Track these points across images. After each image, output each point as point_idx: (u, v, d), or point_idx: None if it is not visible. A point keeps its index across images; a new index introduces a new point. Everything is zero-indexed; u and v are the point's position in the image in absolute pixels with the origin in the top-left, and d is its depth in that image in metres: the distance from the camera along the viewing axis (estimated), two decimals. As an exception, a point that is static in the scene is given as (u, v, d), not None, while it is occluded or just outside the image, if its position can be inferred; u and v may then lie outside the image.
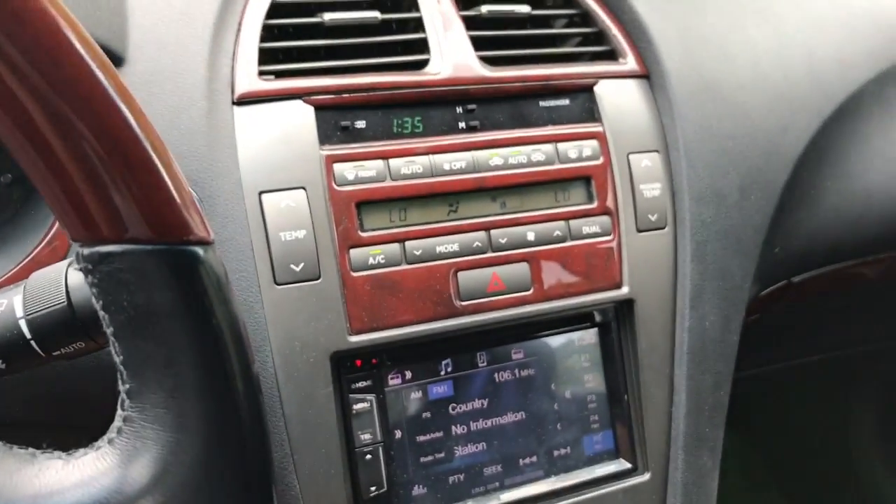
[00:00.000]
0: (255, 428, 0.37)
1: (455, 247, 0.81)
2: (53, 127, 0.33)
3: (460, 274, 0.81)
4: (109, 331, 0.36)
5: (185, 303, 0.36)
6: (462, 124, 0.84)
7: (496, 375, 0.86)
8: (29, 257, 0.69)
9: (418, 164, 0.81)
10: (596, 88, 0.91)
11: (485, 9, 0.89)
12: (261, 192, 0.75)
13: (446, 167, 0.82)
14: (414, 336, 0.79)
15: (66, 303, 0.46)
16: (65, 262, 0.49)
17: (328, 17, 0.82)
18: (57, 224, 0.70)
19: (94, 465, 0.36)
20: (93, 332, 0.47)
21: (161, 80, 0.74)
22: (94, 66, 0.33)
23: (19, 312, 0.47)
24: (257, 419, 0.38)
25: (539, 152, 0.86)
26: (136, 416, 0.36)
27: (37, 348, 0.47)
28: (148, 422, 0.35)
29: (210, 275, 0.36)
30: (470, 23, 0.88)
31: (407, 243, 0.80)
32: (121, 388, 0.37)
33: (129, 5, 0.76)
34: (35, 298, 0.47)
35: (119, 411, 0.37)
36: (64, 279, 0.47)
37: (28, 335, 0.47)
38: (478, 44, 0.87)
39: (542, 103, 0.88)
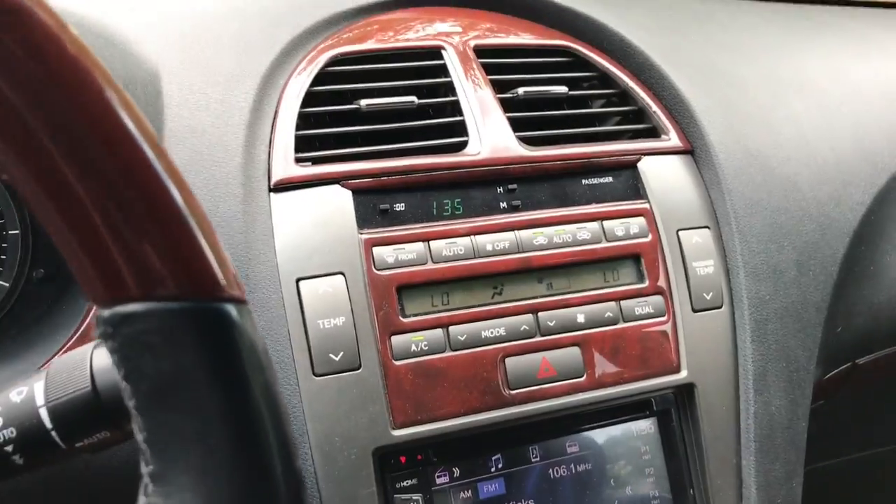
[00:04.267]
0: (287, 492, 0.33)
1: (501, 331, 0.77)
2: (71, 167, 0.30)
3: (508, 360, 0.77)
4: (132, 403, 0.32)
5: (216, 367, 0.32)
6: (503, 204, 0.82)
7: (551, 471, 0.80)
8: (59, 352, 0.66)
9: (460, 245, 0.78)
10: (639, 165, 0.88)
11: (521, 90, 0.88)
12: (298, 279, 0.72)
13: (489, 248, 0.79)
14: (461, 429, 0.74)
15: (90, 387, 0.43)
16: (90, 344, 0.45)
17: (365, 103, 0.81)
18: (89, 317, 0.68)
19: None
20: (119, 421, 0.43)
21: (197, 168, 0.73)
22: (116, 103, 0.31)
23: (40, 400, 0.43)
24: (293, 482, 0.33)
25: (584, 230, 0.82)
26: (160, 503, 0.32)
27: (57, 439, 0.43)
28: None
29: (244, 336, 0.33)
30: (507, 105, 0.86)
31: (451, 328, 0.76)
32: (143, 470, 0.33)
33: (165, 93, 0.76)
34: (57, 384, 0.43)
35: (141, 498, 0.33)
36: (89, 361, 0.44)
37: (49, 425, 0.43)
38: (516, 125, 0.85)
39: (584, 181, 0.86)
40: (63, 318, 0.70)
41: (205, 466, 0.31)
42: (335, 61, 0.84)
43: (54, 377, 0.44)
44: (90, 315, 0.68)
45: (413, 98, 0.83)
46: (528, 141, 0.84)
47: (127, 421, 0.44)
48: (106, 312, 0.32)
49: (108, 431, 0.43)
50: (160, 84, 0.76)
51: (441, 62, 0.87)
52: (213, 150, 0.74)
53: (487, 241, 0.79)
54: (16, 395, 0.44)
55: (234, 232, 0.71)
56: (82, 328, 0.68)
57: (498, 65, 0.89)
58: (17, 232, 0.77)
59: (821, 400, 1.00)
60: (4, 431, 0.43)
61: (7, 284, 0.76)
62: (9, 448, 0.43)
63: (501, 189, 0.82)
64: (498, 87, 0.87)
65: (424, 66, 0.87)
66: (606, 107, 0.94)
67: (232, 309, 0.33)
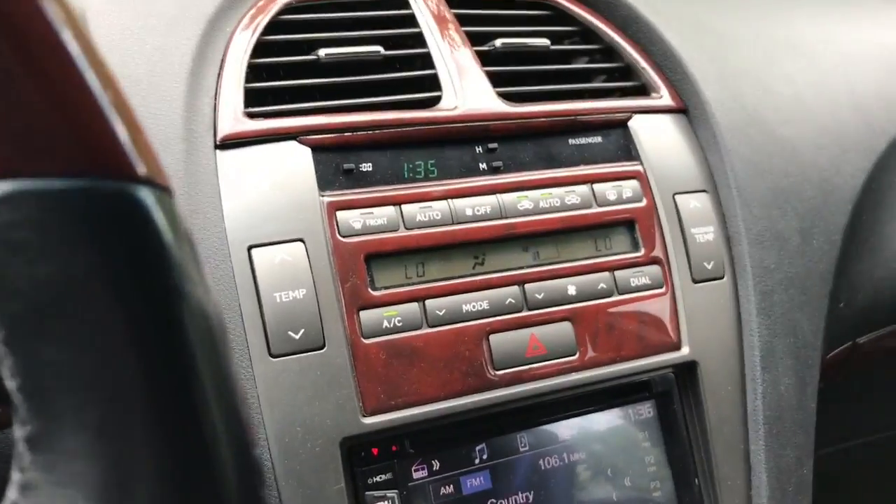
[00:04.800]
0: (240, 486, 0.23)
1: (485, 304, 0.68)
2: None
3: (493, 337, 0.68)
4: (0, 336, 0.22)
5: (124, 273, 0.22)
6: (483, 165, 0.73)
7: (541, 462, 0.71)
8: None
9: (436, 209, 0.69)
10: (630, 124, 0.80)
11: (499, 42, 0.79)
12: (250, 247, 0.63)
13: (469, 213, 0.70)
14: (441, 415, 0.65)
15: None
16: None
17: (324, 52, 0.72)
18: None
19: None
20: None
21: (130, 120, 0.63)
22: None
23: None
24: (246, 472, 0.23)
25: (573, 194, 0.74)
26: (40, 480, 0.21)
27: None
28: (60, 486, 0.21)
29: (165, 230, 0.23)
30: (484, 58, 0.77)
31: (427, 302, 0.66)
32: (16, 433, 0.23)
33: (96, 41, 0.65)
34: None
35: (15, 474, 0.23)
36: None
37: None
38: (495, 80, 0.76)
39: (571, 141, 0.77)
40: None
41: (106, 423, 0.21)
42: (289, 9, 0.75)
43: None
44: None
45: (378, 48, 0.74)
46: (508, 97, 0.76)
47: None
48: None
49: None
50: (85, 25, 0.66)
51: (409, 11, 0.78)
52: (148, 101, 0.64)
53: (466, 206, 0.70)
54: None
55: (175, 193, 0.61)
56: None
57: (472, 16, 0.81)
58: None
59: (822, 382, 0.93)
60: None
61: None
62: None
63: (480, 149, 0.73)
64: (473, 39, 0.79)
65: (391, 15, 0.78)
66: (591, 63, 0.86)
67: (147, 193, 0.23)
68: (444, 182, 0.71)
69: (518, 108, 0.75)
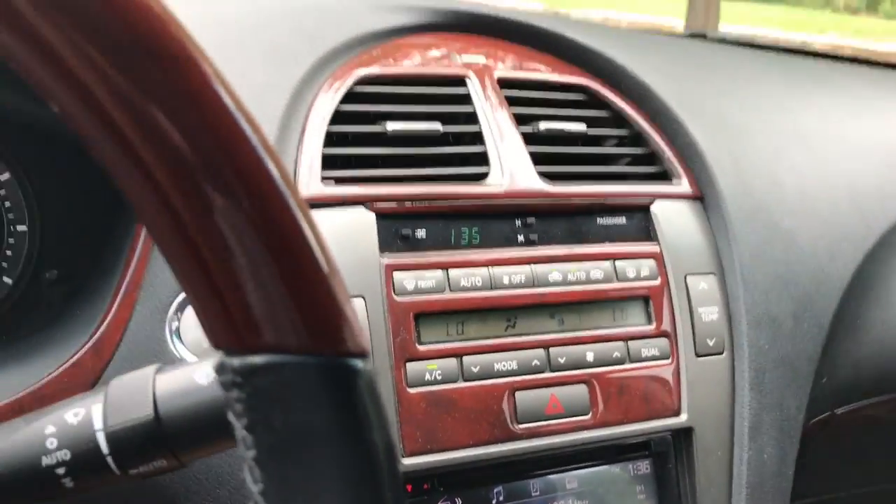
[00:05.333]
0: None
1: (513, 364, 0.77)
2: (209, 215, 0.29)
3: (518, 394, 0.77)
4: (250, 454, 0.32)
5: (349, 425, 0.31)
6: (521, 237, 0.82)
7: (550, 506, 0.80)
8: (71, 361, 0.65)
9: (478, 276, 0.78)
10: (652, 208, 0.89)
11: (542, 126, 0.88)
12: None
13: (505, 280, 0.79)
14: (470, 460, 0.74)
15: (152, 415, 0.42)
16: (151, 368, 0.44)
17: (391, 126, 0.81)
18: (103, 328, 0.66)
19: None
20: (178, 450, 0.42)
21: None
22: (256, 140, 0.30)
23: (98, 424, 0.42)
24: None
25: (598, 269, 0.83)
26: None
27: (112, 465, 0.42)
28: None
29: (374, 392, 0.32)
30: (528, 138, 0.87)
31: (465, 358, 0.76)
32: None
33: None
34: (117, 408, 0.42)
35: None
36: (151, 387, 0.43)
37: (105, 450, 0.42)
38: (536, 159, 0.86)
39: (599, 220, 0.87)
40: (77, 324, 0.68)
41: None
42: (363, 81, 0.84)
43: (114, 401, 0.42)
44: (104, 324, 0.66)
45: (438, 125, 0.83)
46: (547, 176, 0.85)
47: (184, 451, 0.43)
48: (235, 361, 0.31)
49: (166, 460, 0.42)
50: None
51: (465, 91, 0.87)
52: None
53: (504, 274, 0.79)
54: (72, 416, 0.43)
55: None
56: (96, 337, 0.66)
57: (520, 97, 0.90)
58: (24, 228, 0.75)
59: (801, 445, 1.02)
60: (58, 453, 0.42)
61: (10, 281, 0.74)
62: (60, 471, 0.42)
63: (520, 222, 0.83)
64: (519, 119, 0.88)
65: (449, 93, 0.87)
66: (619, 146, 0.95)
67: (361, 364, 0.32)
68: (486, 251, 0.80)
69: (556, 187, 0.84)
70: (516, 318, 0.80)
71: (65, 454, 0.42)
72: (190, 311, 0.67)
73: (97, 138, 0.29)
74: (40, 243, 0.75)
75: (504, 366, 0.77)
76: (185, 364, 0.44)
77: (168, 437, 0.42)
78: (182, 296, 0.68)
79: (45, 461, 0.42)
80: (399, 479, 0.33)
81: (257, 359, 0.31)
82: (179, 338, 0.67)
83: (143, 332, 0.67)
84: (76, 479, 0.42)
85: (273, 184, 0.31)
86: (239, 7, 0.87)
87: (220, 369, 0.32)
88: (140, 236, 0.69)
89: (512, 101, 0.89)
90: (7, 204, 0.75)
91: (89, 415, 0.42)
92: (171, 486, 0.64)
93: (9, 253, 0.74)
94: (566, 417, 0.79)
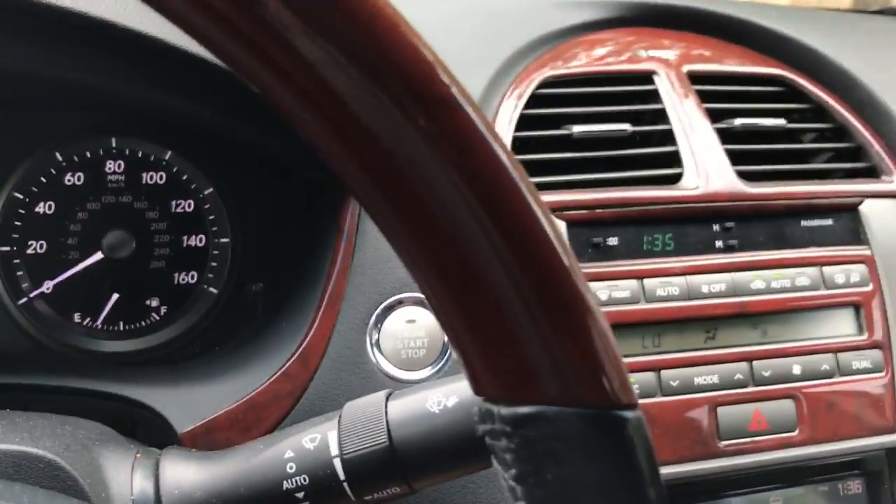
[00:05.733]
0: None
1: (714, 379, 0.74)
2: (488, 270, 0.29)
3: (720, 409, 0.73)
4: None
5: (621, 479, 0.30)
6: (719, 243, 0.78)
7: (753, 526, 0.76)
8: (280, 371, 0.67)
9: (674, 285, 0.74)
10: (861, 208, 0.82)
11: (738, 122, 0.83)
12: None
13: (704, 290, 0.75)
14: (671, 477, 0.71)
15: (387, 443, 0.42)
16: (381, 394, 0.45)
17: (577, 129, 0.79)
18: (308, 339, 0.68)
19: None
20: (412, 477, 0.42)
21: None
22: (533, 203, 0.29)
23: (334, 451, 0.43)
24: None
25: (803, 276, 0.78)
26: None
27: (349, 491, 0.42)
28: None
29: (649, 445, 0.31)
30: (723, 136, 0.82)
31: (662, 372, 0.73)
32: None
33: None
34: (352, 435, 0.43)
35: None
36: (384, 414, 0.43)
37: (342, 476, 0.42)
38: (732, 158, 0.81)
39: (803, 223, 0.81)
40: (282, 335, 0.70)
41: None
42: (546, 83, 0.82)
43: (348, 427, 0.43)
44: (309, 335, 0.68)
45: (626, 126, 0.80)
46: (745, 176, 0.80)
47: (417, 478, 0.43)
48: (503, 410, 0.30)
49: (399, 487, 0.42)
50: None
51: (653, 87, 0.84)
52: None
53: (703, 283, 0.75)
54: (308, 441, 0.44)
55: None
56: (303, 347, 0.67)
57: (712, 92, 0.85)
58: (227, 240, 0.78)
59: None
60: (298, 478, 0.43)
61: (216, 291, 0.78)
62: (299, 495, 0.43)
63: (718, 227, 0.78)
64: (712, 116, 0.83)
65: (636, 90, 0.84)
66: (821, 141, 0.89)
67: (634, 417, 0.31)
68: (682, 258, 0.76)
69: (756, 188, 0.79)
70: (716, 330, 0.76)
71: (304, 479, 0.43)
72: (390, 323, 0.68)
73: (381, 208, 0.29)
74: (243, 256, 0.78)
75: (705, 380, 0.73)
76: (414, 391, 0.44)
77: (402, 464, 0.42)
78: (381, 308, 0.68)
79: (286, 485, 0.43)
80: None
81: (527, 409, 0.30)
82: (380, 349, 0.68)
83: (345, 343, 0.68)
84: (313, 501, 0.43)
85: (545, 236, 0.29)
86: (418, 15, 0.87)
87: (486, 417, 0.31)
88: (339, 249, 0.70)
89: (704, 97, 0.84)
90: (211, 217, 0.78)
91: (325, 440, 0.43)
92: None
93: (213, 264, 0.78)
94: (771, 434, 0.74)
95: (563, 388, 0.30)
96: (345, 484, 0.42)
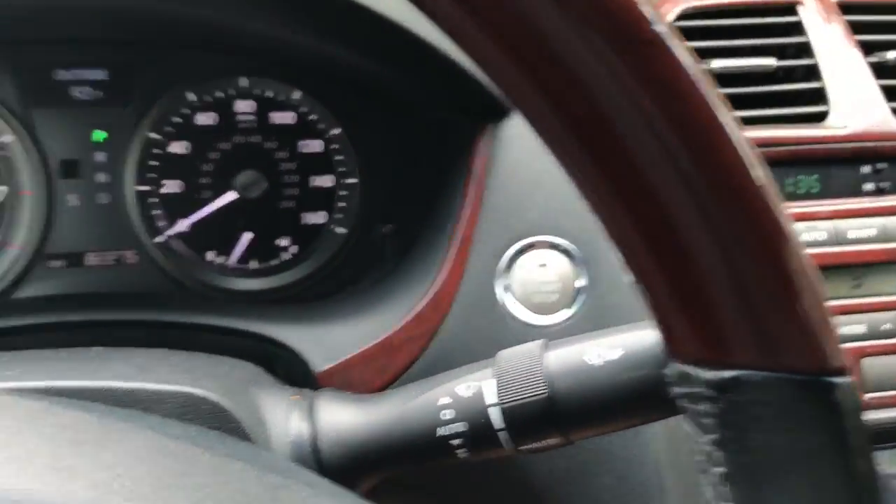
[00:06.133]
0: None
1: (862, 328, 0.70)
2: (698, 226, 0.27)
3: (865, 360, 0.70)
4: (718, 470, 0.30)
5: (833, 449, 0.29)
6: (869, 186, 0.73)
7: None
8: (413, 313, 0.67)
9: (821, 230, 0.71)
10: None
11: (893, 55, 0.77)
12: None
13: (851, 235, 0.71)
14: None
15: (546, 394, 0.41)
16: (536, 344, 0.44)
17: (716, 64, 0.74)
18: (439, 281, 0.67)
19: None
20: (569, 428, 0.42)
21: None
22: (751, 166, 0.27)
23: (491, 399, 0.42)
24: None
25: (962, 222, 0.72)
26: None
27: (506, 440, 0.42)
28: None
29: (858, 413, 0.29)
30: (876, 70, 0.76)
31: (805, 322, 0.69)
32: None
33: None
34: (511, 385, 0.42)
35: None
36: (542, 365, 0.42)
37: (500, 425, 0.42)
38: (886, 94, 0.75)
39: (963, 165, 0.75)
40: (413, 277, 0.70)
41: None
42: (684, 15, 0.77)
43: (506, 377, 0.42)
44: (440, 278, 0.67)
45: (771, 60, 0.75)
46: (901, 114, 0.74)
47: (575, 430, 0.42)
48: (707, 374, 0.29)
49: (557, 438, 0.42)
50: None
51: (797, 19, 0.78)
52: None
53: (850, 227, 0.71)
54: (464, 389, 0.43)
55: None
56: (434, 289, 0.67)
57: (865, 22, 0.79)
58: (355, 181, 0.78)
59: None
60: (456, 425, 0.43)
61: (344, 231, 0.78)
62: (456, 441, 0.43)
63: (868, 168, 0.73)
64: (864, 48, 0.77)
65: (779, 22, 0.78)
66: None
67: (846, 383, 0.29)
68: (829, 201, 0.72)
69: (912, 128, 0.74)
70: (864, 277, 0.71)
71: (463, 426, 0.42)
72: (521, 267, 0.67)
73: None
74: (371, 197, 0.78)
75: (850, 330, 0.70)
76: (570, 342, 0.43)
77: (561, 415, 0.41)
78: (512, 251, 0.67)
79: (441, 431, 0.43)
80: None
81: (733, 373, 0.28)
82: (511, 292, 0.67)
83: (476, 286, 0.67)
84: (471, 449, 0.43)
85: (759, 189, 0.27)
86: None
87: (682, 379, 0.30)
88: (469, 192, 0.69)
89: (855, 28, 0.78)
90: (339, 158, 0.78)
91: (481, 390, 0.43)
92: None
93: (342, 205, 0.78)
94: (923, 388, 0.70)
95: (772, 352, 0.28)
96: (502, 433, 0.42)
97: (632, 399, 0.40)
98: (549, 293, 0.67)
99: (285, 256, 0.78)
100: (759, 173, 0.28)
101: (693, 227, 0.27)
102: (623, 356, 0.40)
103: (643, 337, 0.40)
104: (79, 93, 0.75)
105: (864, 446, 0.29)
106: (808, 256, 0.28)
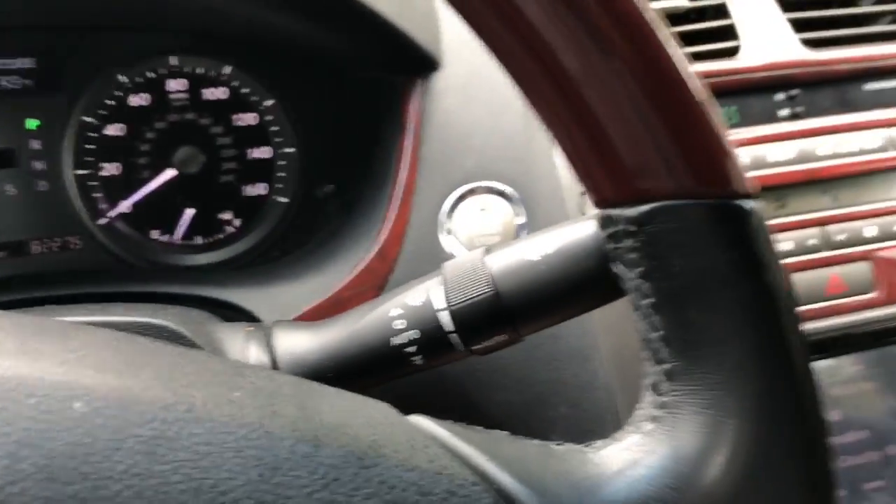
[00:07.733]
0: (816, 414, 0.32)
1: (790, 245, 0.74)
2: (595, 63, 0.29)
3: (795, 276, 0.73)
4: (647, 302, 0.32)
5: (747, 265, 0.31)
6: (784, 112, 0.77)
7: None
8: (360, 267, 0.68)
9: (744, 156, 0.74)
10: (929, 67, 0.81)
11: (796, -11, 0.81)
12: (582, 193, 0.71)
13: (771, 159, 0.75)
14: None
15: (493, 291, 0.43)
16: (478, 252, 0.45)
17: (632, 8, 0.78)
18: (384, 234, 0.69)
19: (625, 455, 0.31)
20: (519, 323, 0.44)
21: (477, 82, 0.72)
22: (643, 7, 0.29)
23: (440, 304, 0.44)
24: (816, 402, 0.32)
25: (873, 139, 0.77)
26: (680, 401, 0.31)
27: (458, 341, 0.44)
28: (701, 407, 0.31)
29: (766, 232, 0.32)
30: (783, 4, 0.80)
31: (736, 243, 0.73)
32: (653, 368, 0.32)
33: (439, 8, 0.75)
34: (458, 288, 0.44)
35: (650, 397, 0.32)
36: (485, 266, 0.44)
37: (450, 328, 0.44)
38: (797, 26, 0.79)
39: (869, 86, 0.80)
40: (358, 233, 0.71)
41: (736, 365, 0.30)
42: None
43: (453, 282, 0.44)
44: (384, 231, 0.69)
45: (684, 0, 0.79)
46: (809, 43, 0.79)
47: (525, 324, 0.44)
48: (627, 211, 0.31)
49: (507, 334, 0.44)
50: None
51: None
52: (491, 63, 0.73)
53: (769, 152, 0.75)
54: (414, 298, 0.45)
55: (517, 147, 0.70)
56: (380, 243, 0.69)
57: (767, -39, 0.83)
58: (292, 150, 0.79)
59: None
60: (408, 333, 0.44)
61: (286, 200, 0.79)
62: (411, 349, 0.44)
63: (782, 95, 0.77)
64: (770, -15, 0.82)
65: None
66: (880, 3, 0.86)
67: (754, 205, 0.31)
68: (748, 129, 0.76)
69: (819, 54, 0.78)
70: (786, 198, 0.75)
71: (415, 333, 0.44)
72: (462, 213, 0.69)
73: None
74: (310, 163, 0.79)
75: (779, 247, 0.73)
76: (507, 244, 0.45)
77: (508, 311, 0.43)
78: (452, 198, 0.69)
79: (395, 341, 0.44)
80: (800, 320, 0.32)
81: (651, 206, 0.31)
82: (455, 237, 0.69)
83: (420, 235, 0.69)
84: (425, 355, 0.44)
85: (653, 32, 0.30)
86: None
87: (607, 222, 0.32)
88: (404, 148, 0.71)
89: (759, -34, 0.82)
90: (274, 129, 0.79)
91: (429, 297, 0.44)
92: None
93: (281, 174, 0.79)
94: (849, 297, 0.74)
95: (685, 182, 0.30)
96: (453, 335, 0.44)
97: (572, 287, 0.42)
98: (492, 235, 0.69)
99: (230, 230, 0.79)
100: (656, 25, 0.30)
101: (600, 78, 0.29)
102: (559, 248, 0.42)
103: (576, 230, 0.42)
104: (7, 82, 0.74)
105: (773, 261, 0.32)
106: (703, 87, 0.31)
